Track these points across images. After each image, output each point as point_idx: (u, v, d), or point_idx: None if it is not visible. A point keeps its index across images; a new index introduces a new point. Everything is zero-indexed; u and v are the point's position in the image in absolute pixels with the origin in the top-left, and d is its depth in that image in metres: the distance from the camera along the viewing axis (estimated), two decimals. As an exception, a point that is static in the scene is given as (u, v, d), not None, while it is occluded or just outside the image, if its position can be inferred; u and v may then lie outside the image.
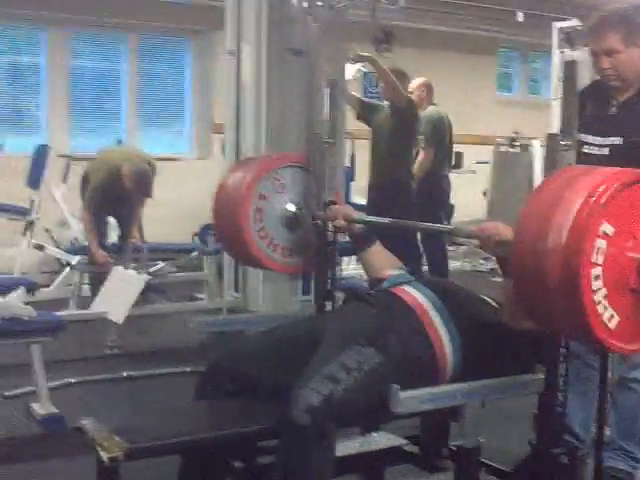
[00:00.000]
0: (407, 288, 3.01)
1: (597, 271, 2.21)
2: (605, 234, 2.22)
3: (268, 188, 3.52)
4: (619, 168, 2.35)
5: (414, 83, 7.25)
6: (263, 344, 3.06)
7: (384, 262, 3.35)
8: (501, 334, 2.83)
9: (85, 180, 6.70)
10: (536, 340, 2.76)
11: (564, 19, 7.95)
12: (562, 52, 7.88)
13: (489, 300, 3.06)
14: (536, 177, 9.48)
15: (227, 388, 2.89)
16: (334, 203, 3.55)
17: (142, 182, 6.34)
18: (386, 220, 3.39)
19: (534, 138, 9.53)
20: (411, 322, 2.84)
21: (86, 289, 6.70)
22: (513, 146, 9.76)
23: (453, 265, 9.82)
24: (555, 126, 8.38)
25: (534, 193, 2.43)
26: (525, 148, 9.69)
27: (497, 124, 11.33)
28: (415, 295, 2.94)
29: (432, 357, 2.78)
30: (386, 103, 6.57)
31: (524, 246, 2.32)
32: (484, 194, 10.06)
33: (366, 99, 6.99)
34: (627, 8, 3.47)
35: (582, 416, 3.63)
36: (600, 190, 2.22)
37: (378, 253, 3.40)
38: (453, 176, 10.31)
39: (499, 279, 8.93)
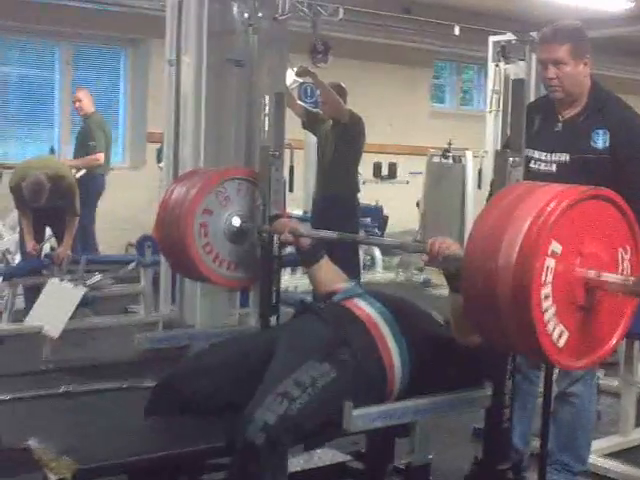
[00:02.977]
0: (358, 301, 3.01)
1: (547, 290, 2.24)
2: (554, 253, 2.25)
3: (212, 202, 3.51)
4: (566, 185, 2.39)
5: None
6: (214, 360, 3.02)
7: (332, 276, 3.36)
8: (449, 350, 2.85)
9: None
10: (482, 356, 2.78)
11: (499, 33, 8.05)
12: (497, 65, 7.99)
13: (436, 315, 3.07)
14: (468, 188, 9.60)
15: (178, 405, 2.86)
16: (279, 216, 3.54)
17: (33, 191, 6.27)
18: (333, 234, 3.39)
19: (467, 149, 9.64)
20: (361, 335, 2.84)
21: (20, 302, 6.58)
22: (446, 157, 9.84)
23: (386, 276, 9.88)
24: (489, 138, 8.51)
25: (483, 211, 2.44)
26: (458, 159, 9.78)
27: (431, 135, 11.42)
28: (366, 308, 2.95)
29: (381, 370, 2.79)
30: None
31: (474, 265, 2.34)
32: (417, 205, 10.13)
33: (311, 109, 6.97)
34: (579, 24, 3.54)
35: (521, 429, 3.66)
36: (548, 209, 2.24)
37: (326, 267, 3.40)
38: (387, 186, 10.42)
39: (433, 290, 9.06)
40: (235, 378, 2.83)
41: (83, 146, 7.91)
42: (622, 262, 2.42)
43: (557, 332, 2.28)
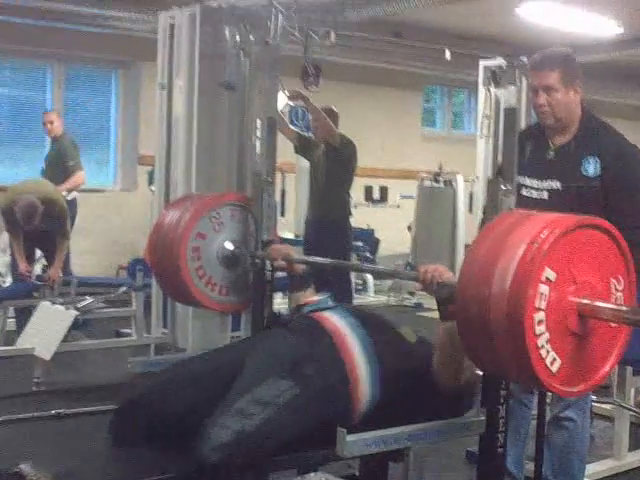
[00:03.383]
0: (328, 314, 2.97)
1: (540, 316, 2.25)
2: (548, 280, 2.26)
3: (206, 227, 3.53)
4: (559, 214, 2.41)
5: None
6: (183, 377, 2.91)
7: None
8: (422, 369, 2.80)
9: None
10: (460, 390, 2.79)
11: (490, 57, 8.09)
12: (488, 90, 8.01)
13: (409, 332, 3.01)
14: (460, 212, 9.62)
15: (146, 426, 2.75)
16: (272, 242, 3.56)
17: (26, 214, 6.28)
18: (327, 260, 3.39)
19: (458, 173, 9.67)
20: (328, 349, 2.79)
21: (10, 323, 6.57)
22: (437, 181, 9.87)
23: (378, 299, 9.90)
24: (480, 162, 8.54)
25: (477, 238, 2.46)
26: (449, 183, 9.81)
27: (422, 159, 11.47)
28: (335, 321, 2.90)
29: (346, 386, 2.73)
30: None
31: (468, 291, 2.35)
32: (409, 228, 10.15)
33: (303, 133, 6.99)
34: (570, 51, 3.56)
35: (514, 453, 3.67)
36: (542, 236, 2.26)
37: (310, 293, 3.37)
38: (378, 210, 10.45)
39: (425, 314, 9.06)
40: (206, 395, 2.71)
41: (58, 167, 7.81)
42: (615, 292, 2.44)
43: (550, 357, 2.28)
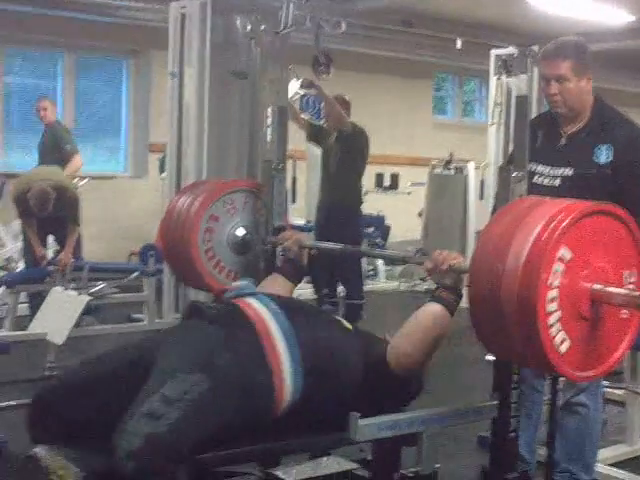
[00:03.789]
0: (250, 300, 2.81)
1: (553, 294, 2.26)
2: (563, 258, 2.27)
3: (220, 210, 3.54)
4: (578, 200, 2.42)
5: None
6: (93, 374, 2.70)
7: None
8: (354, 358, 2.74)
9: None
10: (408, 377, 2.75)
11: (500, 46, 8.09)
12: (499, 78, 8.01)
13: (346, 324, 2.94)
14: (470, 199, 9.61)
15: (57, 428, 2.59)
16: (283, 228, 3.57)
17: (40, 201, 6.35)
18: (338, 246, 3.41)
19: (469, 161, 9.66)
20: (248, 338, 2.63)
21: (23, 308, 6.62)
22: (448, 168, 9.86)
23: (389, 285, 9.91)
24: (491, 150, 8.53)
25: (493, 219, 2.49)
26: (460, 170, 9.80)
27: (433, 146, 11.47)
28: (258, 308, 2.75)
29: (267, 375, 2.58)
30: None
31: (482, 267, 2.36)
32: (419, 215, 10.15)
33: (315, 122, 7.01)
34: (582, 40, 3.55)
35: (526, 438, 3.67)
36: (561, 216, 2.28)
37: (285, 291, 3.24)
38: (389, 197, 10.45)
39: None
40: (120, 393, 2.49)
41: (55, 152, 7.81)
42: (627, 284, 2.44)
43: (560, 337, 2.29)
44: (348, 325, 2.92)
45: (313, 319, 2.90)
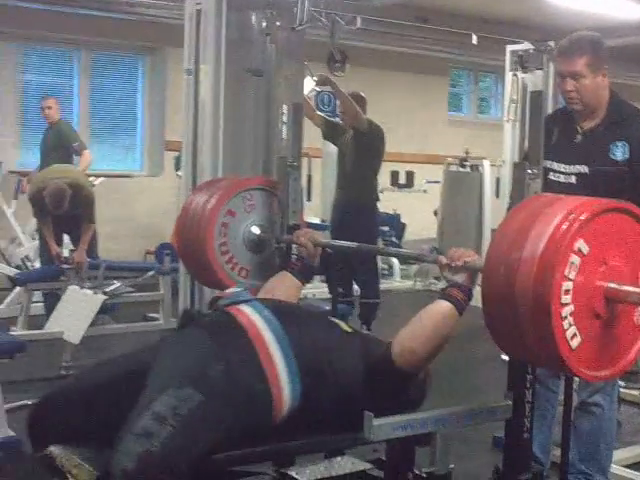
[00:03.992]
0: (244, 307, 2.76)
1: (568, 285, 2.23)
2: (580, 251, 2.25)
3: (237, 205, 3.53)
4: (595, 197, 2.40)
5: None
6: (92, 382, 2.71)
7: (280, 292, 3.16)
8: (353, 361, 2.70)
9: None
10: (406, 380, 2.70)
11: (516, 42, 8.05)
12: (514, 74, 7.98)
13: (344, 326, 2.90)
14: (486, 197, 9.58)
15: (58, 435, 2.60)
16: (298, 226, 3.56)
17: (55, 199, 6.38)
18: (353, 245, 3.39)
19: (484, 158, 9.63)
20: (242, 347, 2.59)
21: (35, 308, 6.63)
22: (463, 166, 9.83)
23: (404, 284, 9.89)
24: (507, 147, 8.49)
25: (511, 213, 2.46)
26: (475, 168, 9.77)
27: (448, 144, 11.43)
28: (251, 315, 2.70)
29: (263, 384, 2.54)
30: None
31: (498, 256, 2.34)
32: (435, 213, 10.13)
33: (331, 119, 7.00)
34: (597, 36, 3.53)
35: (540, 439, 3.66)
36: (581, 209, 2.27)
37: (292, 289, 3.24)
38: (404, 195, 10.44)
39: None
40: (118, 404, 2.46)
41: (61, 150, 7.80)
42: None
43: (571, 331, 2.26)
44: (347, 327, 2.90)
45: (308, 324, 2.85)
